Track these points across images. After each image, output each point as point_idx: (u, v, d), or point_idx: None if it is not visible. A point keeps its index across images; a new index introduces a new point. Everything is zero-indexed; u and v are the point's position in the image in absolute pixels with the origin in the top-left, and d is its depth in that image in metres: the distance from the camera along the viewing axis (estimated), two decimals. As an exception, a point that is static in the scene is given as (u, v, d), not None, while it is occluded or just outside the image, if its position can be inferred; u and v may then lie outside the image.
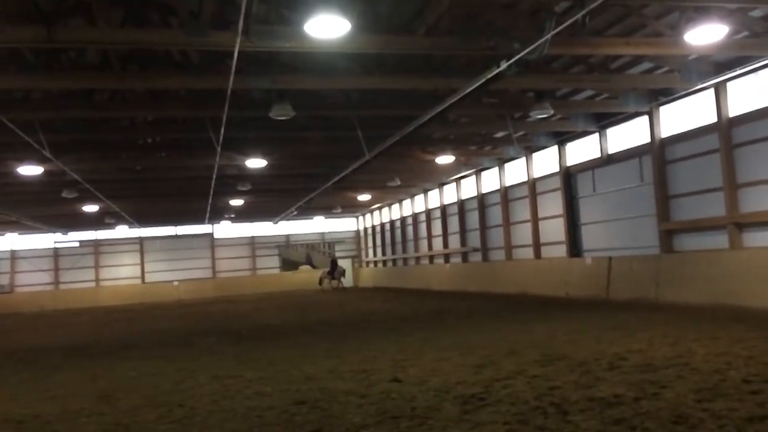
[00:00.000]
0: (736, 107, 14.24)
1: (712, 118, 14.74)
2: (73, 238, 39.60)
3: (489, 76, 9.54)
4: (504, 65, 9.11)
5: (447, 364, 8.17)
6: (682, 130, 15.87)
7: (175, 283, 39.59)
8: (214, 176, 20.28)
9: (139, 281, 40.62)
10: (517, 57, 8.78)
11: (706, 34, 10.19)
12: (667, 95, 15.87)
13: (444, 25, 10.75)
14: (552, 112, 14.64)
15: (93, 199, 24.61)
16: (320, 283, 37.12)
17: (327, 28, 8.81)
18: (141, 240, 41.04)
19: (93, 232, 39.51)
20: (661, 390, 6.00)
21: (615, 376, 6.79)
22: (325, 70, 12.44)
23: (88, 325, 21.01)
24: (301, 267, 44.35)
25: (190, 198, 27.63)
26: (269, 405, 6.52)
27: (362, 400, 6.45)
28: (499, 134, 20.44)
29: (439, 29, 10.71)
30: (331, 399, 6.60)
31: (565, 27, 8.50)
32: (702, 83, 14.10)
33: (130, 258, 40.97)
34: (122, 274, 40.63)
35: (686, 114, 15.79)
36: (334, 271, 36.76)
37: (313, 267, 43.52)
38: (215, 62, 11.96)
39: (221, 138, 14.28)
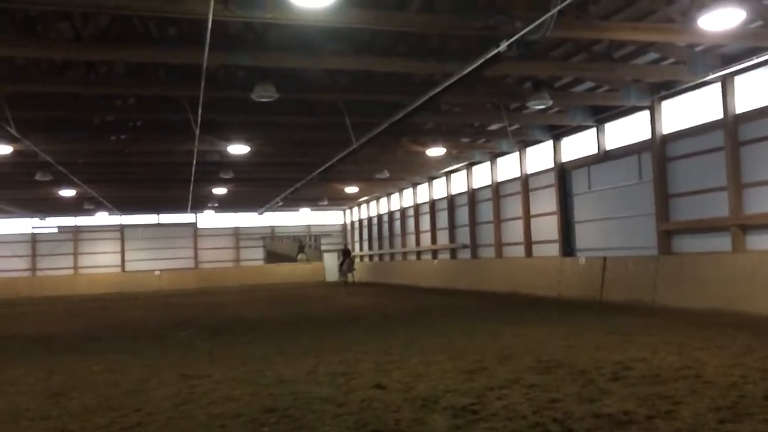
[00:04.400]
0: (743, 103, 13.56)
1: (717, 114, 14.06)
2: (52, 223, 38.43)
3: (487, 56, 8.82)
4: (504, 45, 8.39)
5: (435, 369, 7.48)
6: (685, 126, 15.20)
7: (157, 272, 38.74)
8: (194, 162, 19.43)
9: (119, 270, 39.61)
10: (518, 35, 8.06)
11: (718, 20, 9.54)
12: (669, 89, 15.20)
13: (440, 3, 10.02)
14: (550, 102, 13.95)
15: (69, 183, 23.64)
16: (341, 275, 35.28)
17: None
18: (122, 227, 39.99)
19: (72, 217, 38.36)
20: (676, 407, 5.36)
21: (621, 388, 6.13)
22: (312, 50, 11.68)
23: (60, 314, 20.17)
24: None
25: (172, 185, 26.73)
26: (236, 412, 5.83)
27: (340, 409, 5.75)
28: (493, 127, 19.74)
29: (435, 7, 9.99)
30: (305, 407, 5.90)
31: (572, 8, 7.82)
32: (709, 75, 13.37)
33: (111, 246, 39.87)
34: (102, 262, 39.53)
35: (690, 109, 15.08)
36: (344, 263, 34.99)
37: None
38: (193, 37, 11.19)
39: (199, 120, 13.46)
